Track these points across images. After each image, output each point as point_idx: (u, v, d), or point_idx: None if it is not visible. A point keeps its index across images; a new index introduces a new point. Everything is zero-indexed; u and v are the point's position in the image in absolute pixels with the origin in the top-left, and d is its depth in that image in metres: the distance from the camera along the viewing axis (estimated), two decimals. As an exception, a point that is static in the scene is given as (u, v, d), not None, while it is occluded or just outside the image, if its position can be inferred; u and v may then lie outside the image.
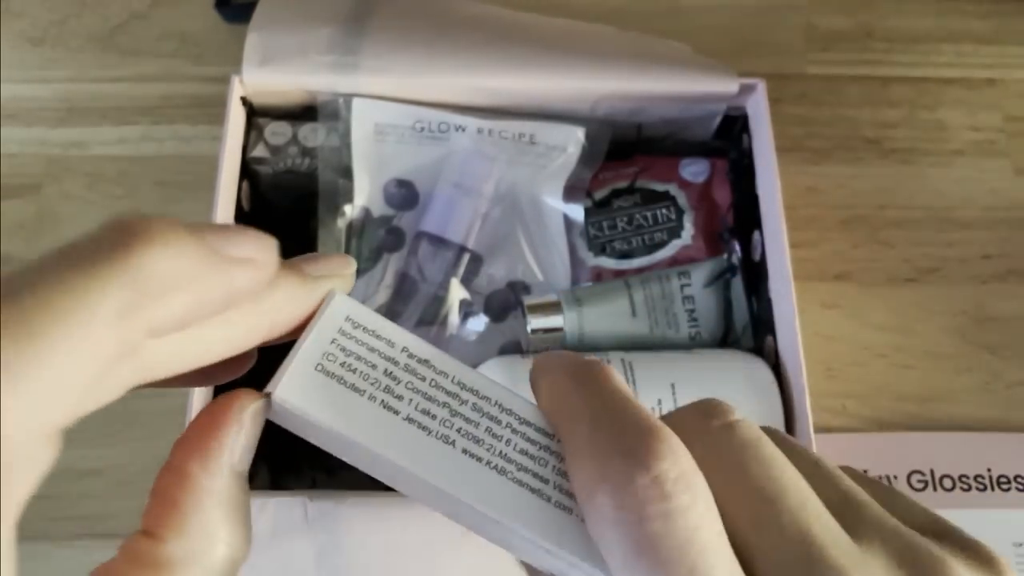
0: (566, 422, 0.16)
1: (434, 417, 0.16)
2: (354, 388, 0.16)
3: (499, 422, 0.16)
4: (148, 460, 0.40)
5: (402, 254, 0.41)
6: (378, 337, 0.17)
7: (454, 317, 0.40)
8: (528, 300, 0.39)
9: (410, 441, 0.16)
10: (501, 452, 0.16)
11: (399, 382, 0.16)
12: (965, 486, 0.41)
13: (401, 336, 0.17)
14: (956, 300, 0.45)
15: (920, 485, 0.40)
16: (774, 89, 0.42)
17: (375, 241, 0.41)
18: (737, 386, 0.36)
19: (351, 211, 0.41)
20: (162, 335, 0.13)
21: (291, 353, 0.16)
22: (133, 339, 0.12)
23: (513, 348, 0.40)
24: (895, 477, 0.41)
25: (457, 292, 0.41)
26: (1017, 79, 0.50)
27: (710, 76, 0.41)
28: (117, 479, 0.40)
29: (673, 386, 0.36)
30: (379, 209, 0.42)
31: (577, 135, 0.42)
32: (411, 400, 0.16)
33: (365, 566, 0.34)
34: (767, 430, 0.16)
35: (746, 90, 0.41)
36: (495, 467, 0.16)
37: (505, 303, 0.41)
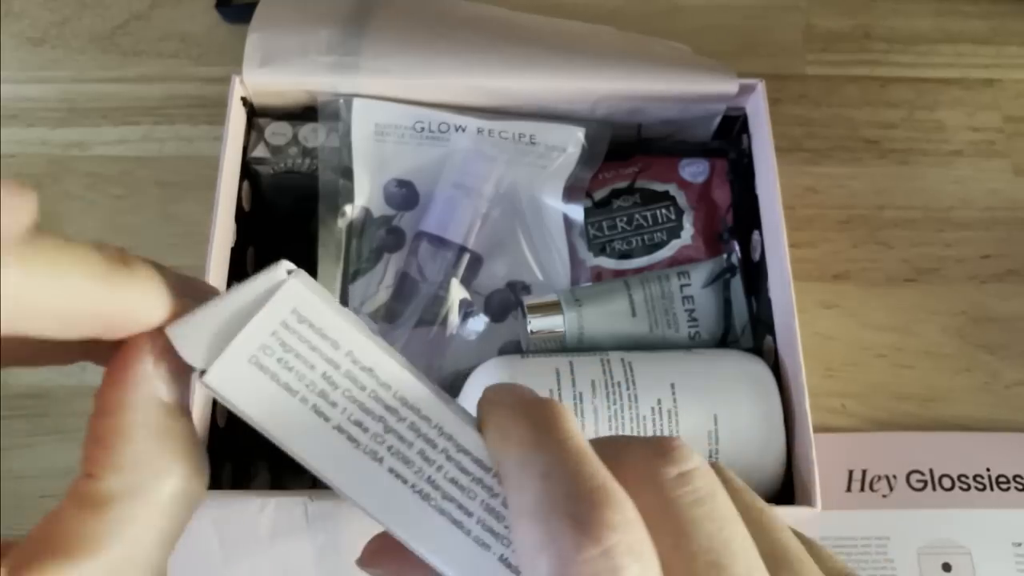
0: (514, 470, 0.15)
1: (366, 430, 0.16)
2: (287, 387, 0.15)
3: (435, 446, 0.16)
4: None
5: (402, 254, 0.41)
6: (323, 336, 0.16)
7: (454, 317, 0.40)
8: (528, 300, 0.40)
9: (335, 450, 0.15)
10: (429, 477, 0.15)
11: (336, 388, 0.16)
12: (964, 486, 0.41)
13: (349, 338, 0.16)
14: (955, 300, 0.45)
15: (919, 485, 0.40)
16: (773, 89, 0.42)
17: (375, 241, 0.41)
18: (736, 386, 0.36)
19: (351, 211, 0.41)
20: None
21: (229, 332, 0.15)
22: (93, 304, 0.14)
23: (513, 348, 0.40)
24: (894, 477, 0.41)
25: (457, 292, 0.41)
26: (1016, 79, 0.50)
27: (710, 76, 0.41)
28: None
29: (673, 386, 0.36)
30: (379, 209, 0.42)
31: (577, 135, 0.42)
32: (344, 409, 0.15)
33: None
34: (715, 468, 0.16)
35: (745, 90, 0.41)
36: (419, 491, 0.15)
37: (505, 303, 0.41)
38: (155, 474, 0.15)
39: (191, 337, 0.15)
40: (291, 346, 0.15)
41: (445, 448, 0.16)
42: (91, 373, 0.43)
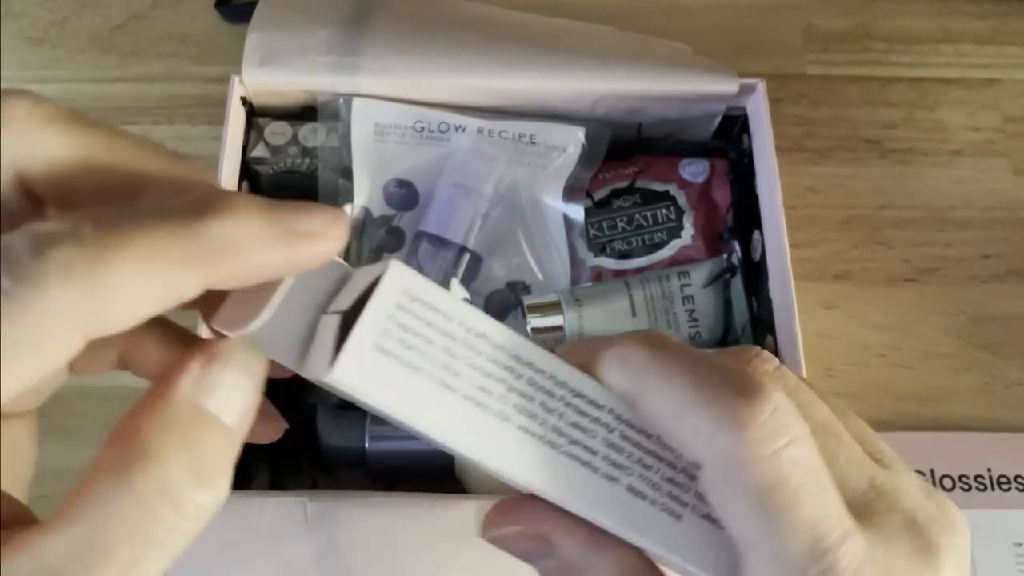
0: (655, 380, 0.16)
1: (490, 394, 0.16)
2: (411, 366, 0.15)
3: (552, 395, 0.16)
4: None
5: (402, 254, 0.41)
6: (435, 311, 0.16)
7: (454, 317, 0.40)
8: (528, 300, 0.40)
9: (466, 419, 0.16)
10: (554, 426, 0.16)
11: (456, 358, 0.16)
12: (965, 486, 0.40)
13: (457, 308, 0.16)
14: (955, 300, 0.45)
15: (919, 485, 0.40)
16: (774, 89, 0.42)
17: (375, 241, 0.41)
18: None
19: (351, 211, 0.41)
20: (217, 286, 0.14)
21: (349, 328, 0.15)
22: (185, 282, 0.14)
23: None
24: (894, 477, 0.41)
25: (457, 292, 0.41)
26: (1016, 79, 0.50)
27: (710, 76, 0.41)
28: (117, 479, 0.40)
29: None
30: (379, 209, 0.42)
31: (577, 135, 0.42)
32: (469, 377, 0.16)
33: (365, 566, 0.33)
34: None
35: (746, 90, 0.41)
36: (547, 441, 0.16)
37: (505, 303, 0.41)
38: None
39: (280, 338, 0.15)
40: (409, 326, 0.15)
41: (563, 396, 0.16)
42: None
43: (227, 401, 0.15)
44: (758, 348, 0.18)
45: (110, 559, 0.13)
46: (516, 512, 0.17)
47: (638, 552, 0.17)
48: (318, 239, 0.15)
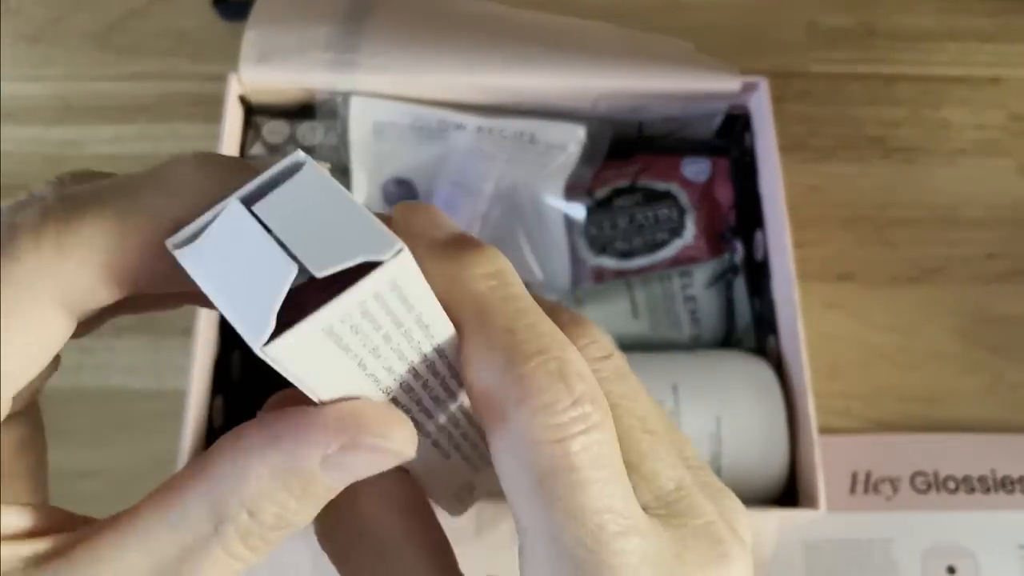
0: (477, 323, 0.15)
1: (391, 372, 0.15)
2: (345, 348, 0.13)
3: (439, 393, 0.16)
4: (144, 461, 0.40)
5: (401, 254, 0.41)
6: (405, 302, 0.14)
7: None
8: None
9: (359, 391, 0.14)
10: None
11: (390, 343, 0.14)
12: (969, 488, 0.40)
13: (421, 298, 0.14)
14: (960, 300, 0.44)
15: (924, 486, 0.40)
16: (777, 87, 0.42)
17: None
18: (739, 387, 0.36)
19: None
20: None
21: (304, 297, 0.13)
22: (158, 232, 0.14)
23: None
24: (899, 479, 0.40)
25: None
26: (1021, 78, 0.50)
27: (712, 74, 0.41)
28: (114, 480, 0.40)
29: (675, 387, 0.35)
30: (378, 208, 0.41)
31: (578, 133, 0.42)
32: (386, 358, 0.14)
33: (364, 568, 0.33)
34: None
35: (748, 88, 0.41)
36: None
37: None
38: None
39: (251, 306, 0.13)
40: (372, 313, 0.13)
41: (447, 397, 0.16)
42: (87, 374, 0.43)
43: (348, 476, 0.14)
44: (596, 333, 0.17)
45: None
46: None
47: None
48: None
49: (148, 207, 0.14)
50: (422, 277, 0.14)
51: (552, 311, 0.16)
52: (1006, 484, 0.40)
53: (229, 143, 0.39)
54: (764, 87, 0.40)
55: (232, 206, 0.13)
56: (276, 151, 0.41)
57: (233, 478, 0.14)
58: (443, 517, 0.18)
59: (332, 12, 0.42)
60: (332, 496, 0.15)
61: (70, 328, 0.14)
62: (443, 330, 0.15)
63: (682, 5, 0.51)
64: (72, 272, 0.13)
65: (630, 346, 0.39)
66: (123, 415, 0.41)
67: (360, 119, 0.41)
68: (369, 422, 0.14)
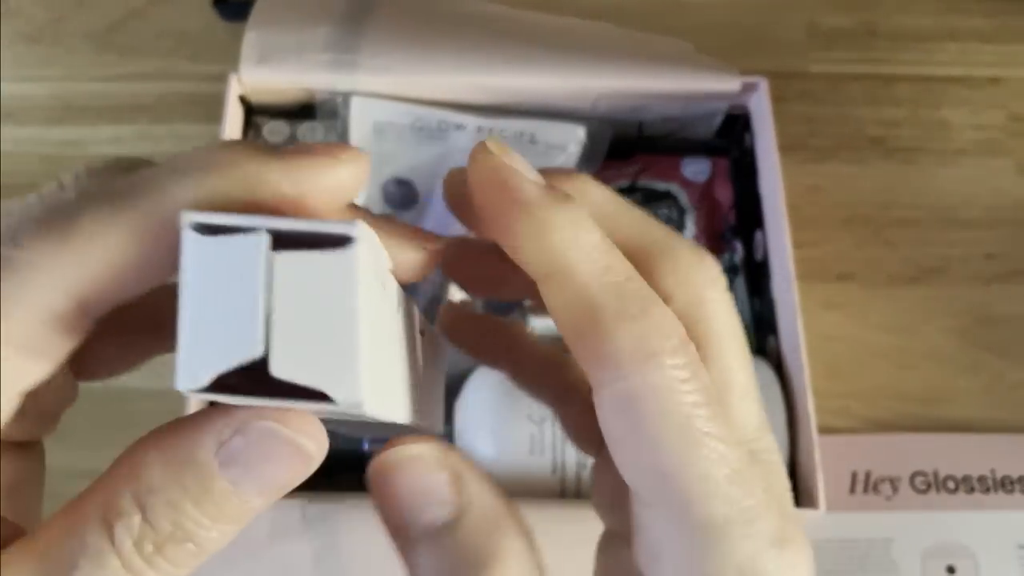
0: (581, 286, 0.14)
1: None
2: None
3: None
4: None
5: (401, 254, 0.41)
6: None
7: (454, 317, 0.40)
8: (529, 300, 0.39)
9: None
10: None
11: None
12: (969, 488, 0.40)
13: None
14: (959, 300, 0.44)
15: (923, 486, 0.40)
16: (776, 87, 0.42)
17: (374, 241, 0.41)
18: (739, 387, 0.36)
19: (350, 210, 0.41)
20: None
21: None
22: (168, 222, 0.13)
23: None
24: (898, 479, 0.40)
25: (457, 292, 0.40)
26: (1021, 78, 0.50)
27: (712, 74, 0.41)
28: (114, 481, 0.40)
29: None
30: (378, 208, 0.41)
31: (578, 134, 0.42)
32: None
33: (363, 568, 0.33)
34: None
35: (748, 88, 0.41)
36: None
37: (505, 303, 0.41)
38: None
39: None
40: None
41: None
42: (87, 374, 0.43)
43: (251, 478, 0.13)
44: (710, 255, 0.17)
45: None
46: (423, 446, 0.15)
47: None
48: (325, 161, 0.14)
49: (176, 194, 0.13)
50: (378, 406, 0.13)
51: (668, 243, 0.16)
52: (1006, 484, 0.40)
53: (229, 143, 0.39)
54: (764, 87, 0.40)
55: (260, 238, 0.12)
56: (276, 151, 0.41)
57: (124, 471, 0.13)
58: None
59: (332, 12, 0.42)
60: (246, 513, 0.13)
61: (80, 325, 0.13)
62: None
63: (682, 5, 0.51)
64: (78, 265, 0.13)
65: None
66: (123, 415, 0.41)
67: (360, 119, 0.41)
68: (265, 412, 0.12)
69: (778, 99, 0.42)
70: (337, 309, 0.12)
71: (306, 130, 0.42)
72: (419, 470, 0.15)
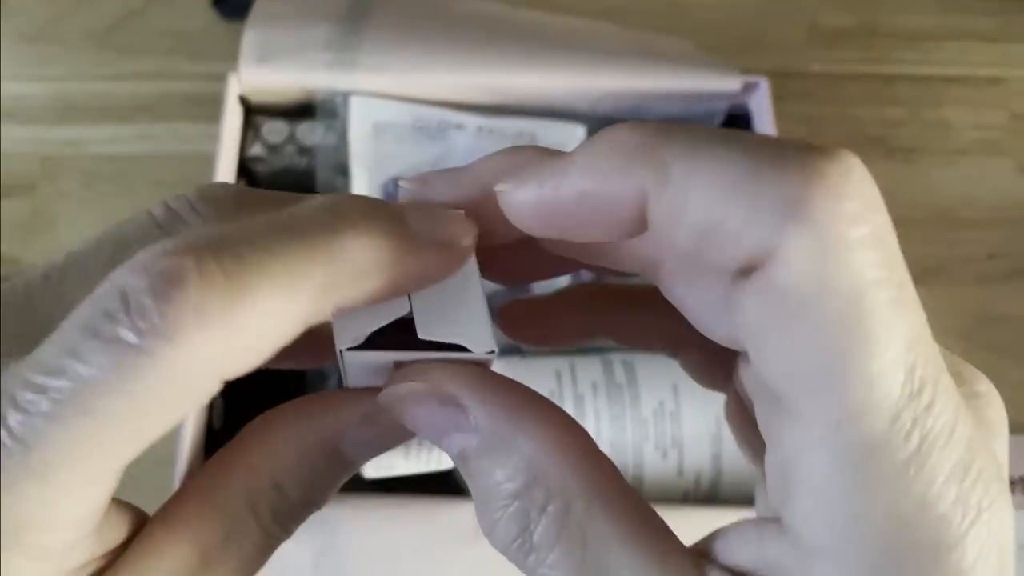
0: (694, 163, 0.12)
1: None
2: None
3: None
4: (143, 463, 0.39)
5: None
6: None
7: (454, 317, 0.40)
8: (528, 300, 0.39)
9: None
10: None
11: None
12: (970, 488, 0.40)
13: None
14: (961, 301, 0.44)
15: (924, 487, 0.40)
16: (777, 87, 0.42)
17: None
18: (740, 387, 0.36)
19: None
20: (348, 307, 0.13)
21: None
22: (323, 311, 0.13)
23: (512, 349, 0.40)
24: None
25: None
26: (1021, 77, 0.49)
27: (712, 73, 0.41)
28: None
29: (675, 387, 0.35)
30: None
31: (578, 133, 0.41)
32: None
33: (364, 569, 0.33)
34: None
35: (749, 88, 0.41)
36: None
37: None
38: None
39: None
40: None
41: None
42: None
43: (369, 458, 0.15)
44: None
45: None
46: (423, 368, 0.14)
47: (564, 424, 0.14)
48: (447, 252, 0.14)
49: (329, 289, 0.12)
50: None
51: None
52: (1009, 484, 0.40)
53: (229, 143, 0.39)
54: (764, 87, 0.40)
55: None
56: (275, 151, 0.41)
57: (264, 459, 0.14)
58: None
59: (332, 12, 0.42)
60: (352, 473, 0.15)
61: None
62: None
63: (683, 5, 0.51)
64: (233, 354, 0.12)
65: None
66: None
67: (360, 119, 0.41)
68: (390, 400, 0.14)
69: (779, 98, 0.42)
70: (465, 287, 0.15)
71: (306, 130, 0.41)
72: (415, 407, 0.14)
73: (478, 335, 0.14)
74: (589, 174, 0.13)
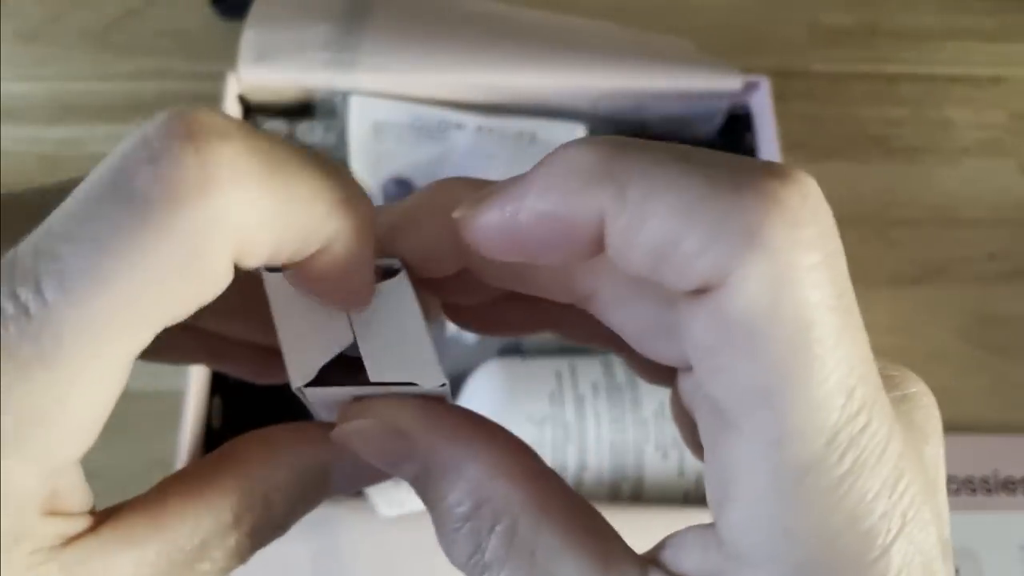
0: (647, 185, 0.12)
1: None
2: None
3: None
4: (142, 463, 0.39)
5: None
6: None
7: (453, 318, 0.40)
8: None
9: None
10: None
11: None
12: (971, 488, 0.40)
13: None
14: (962, 301, 0.44)
15: (926, 488, 0.40)
16: (778, 87, 0.42)
17: (373, 241, 0.41)
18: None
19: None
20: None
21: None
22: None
23: (513, 350, 0.39)
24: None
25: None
26: (1023, 77, 0.49)
27: (713, 73, 0.41)
28: (112, 482, 0.40)
29: (676, 388, 0.35)
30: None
31: (578, 133, 0.41)
32: None
33: (361, 570, 0.33)
34: None
35: (750, 87, 0.41)
36: None
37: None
38: None
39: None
40: None
41: None
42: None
43: (351, 484, 0.16)
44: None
45: None
46: (371, 405, 0.15)
47: (506, 445, 0.14)
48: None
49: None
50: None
51: None
52: (1008, 485, 0.40)
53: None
54: (765, 86, 0.40)
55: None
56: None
57: (260, 472, 0.14)
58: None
59: (331, 11, 0.42)
60: (324, 499, 0.15)
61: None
62: None
63: (683, 4, 0.51)
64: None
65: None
66: (121, 416, 0.40)
67: (359, 118, 0.41)
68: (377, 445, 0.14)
69: (780, 98, 0.42)
70: (406, 320, 0.15)
71: (305, 129, 0.41)
72: (368, 440, 0.15)
73: (426, 370, 0.14)
74: (547, 195, 0.12)
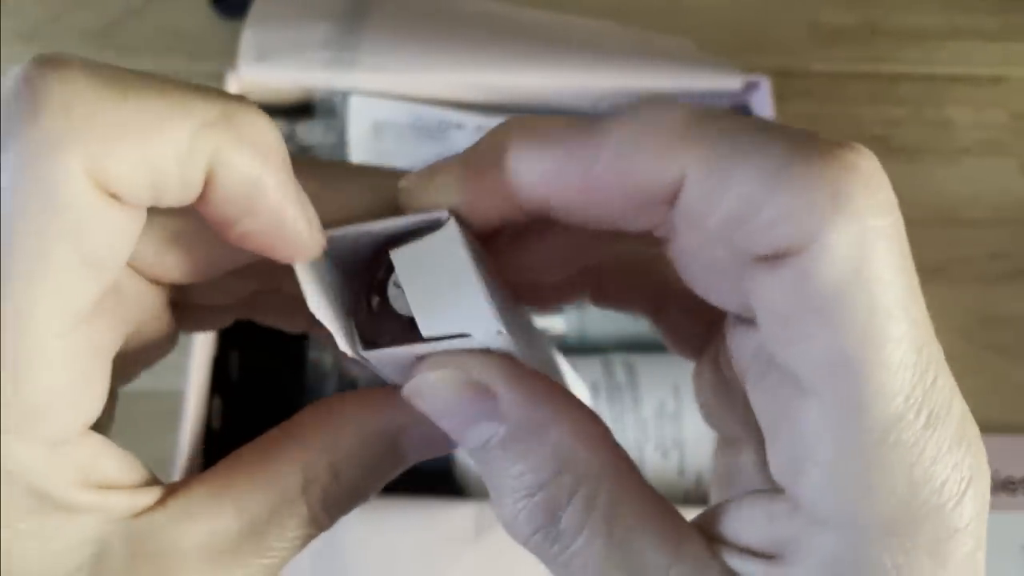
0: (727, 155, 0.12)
1: None
2: None
3: None
4: (145, 462, 0.39)
5: (401, 253, 0.41)
6: None
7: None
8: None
9: None
10: None
11: None
12: (972, 489, 0.40)
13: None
14: (963, 301, 0.44)
15: (926, 488, 0.40)
16: (778, 86, 0.42)
17: (373, 240, 0.41)
18: (741, 388, 0.36)
19: (349, 210, 0.41)
20: None
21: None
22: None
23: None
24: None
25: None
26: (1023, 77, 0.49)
27: (713, 72, 0.41)
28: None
29: (677, 388, 0.35)
30: (377, 208, 0.41)
31: (578, 133, 0.41)
32: None
33: (363, 568, 0.33)
34: None
35: (750, 87, 0.41)
36: None
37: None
38: None
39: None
40: None
41: None
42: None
43: (423, 451, 0.15)
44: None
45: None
46: (448, 358, 0.14)
47: (583, 412, 0.14)
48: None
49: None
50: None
51: None
52: (1008, 485, 0.40)
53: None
54: (766, 86, 0.40)
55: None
56: (275, 150, 0.41)
57: (325, 441, 0.14)
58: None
59: (331, 10, 0.42)
60: (404, 469, 0.15)
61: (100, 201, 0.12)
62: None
63: (684, 3, 0.51)
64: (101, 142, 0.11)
65: (632, 346, 0.39)
66: (120, 415, 0.40)
67: (359, 118, 0.41)
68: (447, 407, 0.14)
69: (780, 98, 0.42)
70: (456, 271, 0.14)
71: (305, 129, 0.41)
72: (443, 394, 0.14)
73: (479, 318, 0.14)
74: (627, 151, 0.12)
